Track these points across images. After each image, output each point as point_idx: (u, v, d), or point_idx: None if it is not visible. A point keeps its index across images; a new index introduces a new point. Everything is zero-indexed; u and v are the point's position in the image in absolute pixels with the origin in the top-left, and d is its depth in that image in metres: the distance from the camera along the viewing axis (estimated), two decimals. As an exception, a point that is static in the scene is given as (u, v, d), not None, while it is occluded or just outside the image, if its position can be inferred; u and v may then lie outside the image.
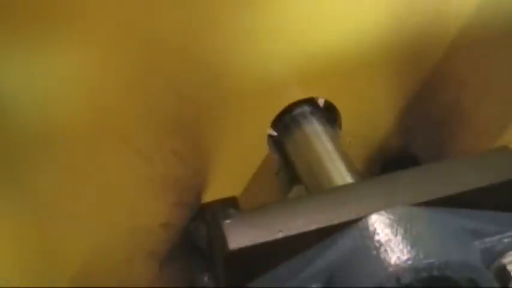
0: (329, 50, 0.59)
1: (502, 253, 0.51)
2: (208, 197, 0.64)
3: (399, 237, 0.48)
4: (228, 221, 0.51)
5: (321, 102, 0.65)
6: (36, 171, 0.56)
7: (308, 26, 0.57)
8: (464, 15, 0.61)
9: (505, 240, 0.51)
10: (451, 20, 0.61)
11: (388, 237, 0.48)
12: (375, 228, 0.49)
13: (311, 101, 0.64)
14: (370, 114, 0.66)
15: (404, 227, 0.48)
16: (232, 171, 0.64)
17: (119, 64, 0.53)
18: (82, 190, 0.58)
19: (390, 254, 0.47)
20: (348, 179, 0.59)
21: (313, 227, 0.50)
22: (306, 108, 0.63)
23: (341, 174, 0.59)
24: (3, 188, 0.56)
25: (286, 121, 0.63)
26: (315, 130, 0.63)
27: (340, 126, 0.65)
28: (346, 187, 0.57)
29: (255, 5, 0.54)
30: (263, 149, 0.64)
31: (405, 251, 0.47)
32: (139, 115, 0.57)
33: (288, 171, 0.67)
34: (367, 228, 0.49)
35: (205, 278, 0.66)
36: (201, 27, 0.54)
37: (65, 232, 0.60)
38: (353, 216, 0.50)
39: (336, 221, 0.50)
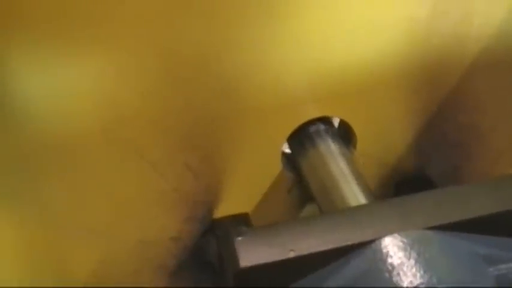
0: (346, 69, 0.59)
1: (516, 280, 0.50)
2: (220, 212, 0.64)
3: (412, 261, 0.47)
4: (239, 238, 0.50)
5: (336, 121, 0.65)
6: (48, 180, 0.56)
7: (326, 45, 0.57)
8: (484, 37, 0.61)
9: (520, 267, 0.50)
10: (471, 42, 0.61)
11: (401, 260, 0.47)
12: (388, 251, 0.48)
13: (326, 120, 0.64)
14: (386, 135, 0.66)
15: (418, 250, 0.48)
16: (245, 187, 0.64)
17: (136, 76, 0.53)
18: (93, 201, 0.58)
19: (403, 278, 0.46)
20: (362, 199, 0.59)
21: (325, 247, 0.49)
22: (321, 127, 0.63)
23: (355, 195, 0.59)
24: (13, 196, 0.56)
25: (300, 139, 0.63)
26: (330, 149, 0.63)
27: (354, 146, 0.65)
28: (359, 208, 0.57)
29: (273, 22, 0.54)
30: (277, 166, 0.64)
31: (418, 275, 0.46)
32: (154, 128, 0.57)
33: (301, 190, 0.66)
34: (380, 250, 0.49)
35: (214, 293, 0.66)
36: (220, 43, 0.54)
37: (74, 242, 0.60)
38: (366, 238, 0.49)
39: (348, 242, 0.50)
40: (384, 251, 0.48)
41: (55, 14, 0.48)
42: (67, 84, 0.52)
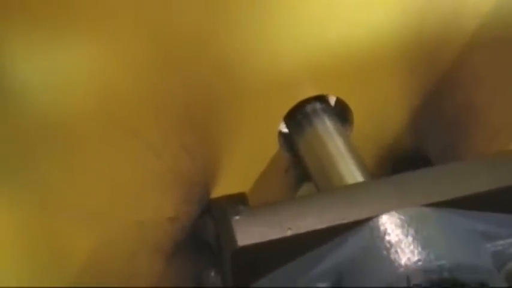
0: (342, 47, 0.59)
1: (514, 256, 0.50)
2: (217, 192, 0.64)
3: (410, 238, 0.47)
4: (237, 218, 0.50)
5: (332, 100, 0.65)
6: (44, 162, 0.56)
7: (322, 23, 0.57)
8: (480, 13, 0.61)
9: (517, 243, 0.51)
10: (467, 18, 0.61)
11: (399, 237, 0.47)
12: (386, 229, 0.48)
13: (323, 99, 0.64)
14: (382, 113, 0.66)
15: (415, 227, 0.48)
16: (242, 167, 0.64)
17: (133, 55, 0.53)
18: (89, 183, 0.58)
19: (401, 255, 0.46)
20: (359, 178, 0.59)
21: (322, 225, 0.49)
22: (318, 106, 0.63)
23: (352, 173, 0.59)
24: (9, 178, 0.56)
25: (297, 118, 0.63)
26: (326, 128, 0.62)
27: (351, 125, 0.65)
28: (356, 186, 0.57)
29: (270, 1, 0.54)
30: (274, 146, 0.64)
31: (416, 252, 0.46)
32: (150, 108, 0.56)
33: (298, 169, 0.66)
34: (377, 228, 0.49)
35: (212, 274, 0.66)
36: (215, 22, 0.54)
37: (71, 224, 0.60)
38: (364, 216, 0.50)
39: (346, 220, 0.50)
40: (382, 228, 0.49)
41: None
42: (62, 65, 0.52)
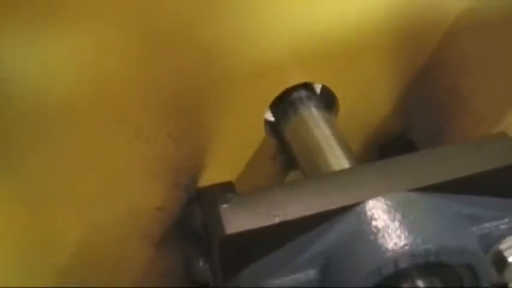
0: (327, 33, 0.59)
1: (499, 239, 0.51)
2: (205, 181, 0.64)
3: (397, 223, 0.48)
4: (224, 206, 0.50)
5: (318, 87, 0.65)
6: (32, 148, 0.56)
7: (305, 8, 0.57)
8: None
9: (502, 226, 0.51)
10: (451, 2, 0.61)
11: (386, 222, 0.48)
12: (373, 214, 0.49)
13: (308, 86, 0.64)
14: (368, 98, 0.66)
15: (402, 212, 0.48)
16: (229, 155, 0.64)
17: (119, 41, 0.53)
18: (77, 170, 0.58)
19: (387, 240, 0.47)
20: (345, 164, 0.59)
21: (310, 212, 0.50)
22: (303, 93, 0.63)
23: (338, 159, 0.59)
24: (0, 167, 0.55)
25: (283, 106, 0.63)
26: (312, 115, 0.62)
27: (337, 111, 0.65)
28: (343, 172, 0.57)
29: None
30: (260, 133, 0.64)
31: (402, 236, 0.47)
32: (137, 95, 0.56)
33: (285, 156, 0.66)
34: (364, 213, 0.49)
35: (201, 262, 0.66)
36: (200, 7, 0.53)
37: (60, 211, 0.60)
38: (350, 202, 0.50)
39: (333, 206, 0.50)
40: (368, 214, 0.49)
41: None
42: (48, 53, 0.52)
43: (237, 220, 0.49)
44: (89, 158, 0.58)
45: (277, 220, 0.49)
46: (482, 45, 0.65)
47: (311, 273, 0.49)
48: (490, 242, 0.51)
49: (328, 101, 0.65)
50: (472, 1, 0.61)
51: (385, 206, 0.49)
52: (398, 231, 0.47)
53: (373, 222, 0.48)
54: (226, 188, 0.62)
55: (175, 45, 0.55)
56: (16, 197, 0.58)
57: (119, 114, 0.56)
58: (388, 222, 0.48)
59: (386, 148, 0.69)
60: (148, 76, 0.55)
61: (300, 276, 0.49)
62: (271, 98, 0.61)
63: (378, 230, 0.47)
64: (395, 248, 0.46)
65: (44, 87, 0.53)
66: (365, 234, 0.48)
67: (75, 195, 0.59)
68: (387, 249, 0.46)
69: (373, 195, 0.50)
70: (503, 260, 0.50)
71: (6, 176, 0.56)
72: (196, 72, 0.57)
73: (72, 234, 0.62)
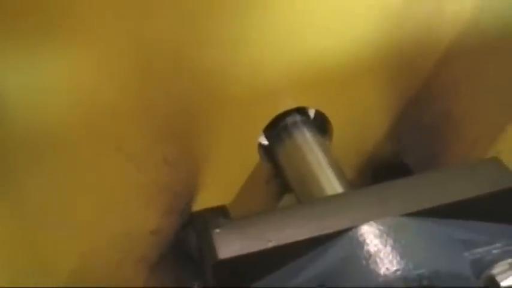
0: (320, 59, 0.59)
1: (492, 264, 0.51)
2: (199, 204, 0.64)
3: (389, 248, 0.48)
4: (217, 230, 0.51)
5: (311, 112, 0.65)
6: (27, 174, 0.56)
7: (299, 35, 0.57)
8: (457, 24, 0.61)
9: (494, 251, 0.51)
10: (443, 28, 0.62)
11: (378, 247, 0.48)
12: (365, 239, 0.49)
13: (302, 111, 0.64)
14: (362, 123, 0.66)
15: (394, 237, 0.49)
16: (223, 179, 0.64)
17: (113, 69, 0.53)
18: (73, 195, 0.58)
19: (380, 265, 0.47)
20: (339, 188, 0.59)
21: (303, 236, 0.50)
22: (297, 118, 0.64)
23: (331, 184, 0.59)
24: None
25: (277, 130, 0.63)
26: (306, 139, 0.63)
27: (331, 136, 0.65)
28: (336, 197, 0.57)
29: (246, 14, 0.54)
30: (254, 158, 0.64)
31: (395, 261, 0.47)
32: (132, 121, 0.56)
33: (279, 180, 0.67)
34: (357, 238, 0.49)
35: (195, 285, 0.66)
36: (196, 35, 0.54)
37: (55, 236, 0.60)
38: (343, 226, 0.50)
39: (326, 231, 0.50)
40: (361, 238, 0.49)
41: (32, 7, 0.48)
42: (43, 79, 0.52)
43: (230, 245, 0.49)
44: (85, 184, 0.58)
45: (270, 245, 0.49)
46: (474, 71, 0.65)
47: (304, 298, 0.49)
48: (482, 267, 0.51)
49: (322, 125, 0.65)
50: (465, 28, 0.62)
51: (377, 231, 0.49)
52: (390, 256, 0.47)
53: (366, 247, 0.48)
54: (220, 212, 0.62)
55: (170, 71, 0.55)
56: (10, 222, 0.57)
57: (114, 140, 0.57)
58: (380, 247, 0.48)
59: (380, 172, 0.70)
60: (143, 102, 0.56)
61: (294, 301, 0.49)
62: (264, 123, 0.62)
63: (370, 254, 0.48)
64: (387, 273, 0.46)
65: (39, 114, 0.53)
66: (358, 258, 0.48)
67: (70, 220, 0.59)
68: (379, 275, 0.46)
69: (365, 220, 0.50)
70: (496, 285, 0.50)
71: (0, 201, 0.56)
72: (190, 98, 0.57)
73: (68, 259, 0.62)
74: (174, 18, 0.52)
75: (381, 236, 0.49)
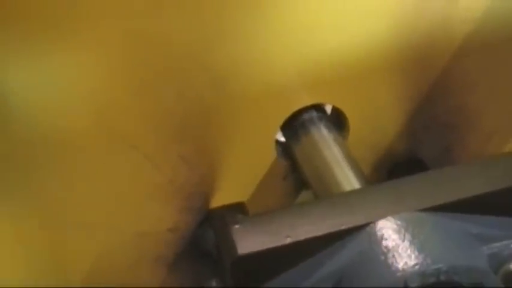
0: (336, 56, 0.59)
1: (509, 258, 0.51)
2: (216, 202, 0.64)
3: (406, 243, 0.48)
4: (236, 226, 0.51)
5: (328, 108, 0.65)
6: (44, 175, 0.56)
7: (315, 32, 0.58)
8: (470, 19, 0.61)
9: (512, 245, 0.51)
10: (458, 24, 0.61)
11: (396, 242, 0.48)
12: (383, 234, 0.49)
13: (319, 107, 0.64)
14: (377, 119, 0.66)
15: (412, 232, 0.49)
16: (240, 176, 0.64)
17: (127, 68, 0.53)
18: (89, 195, 0.59)
19: (398, 259, 0.47)
20: (356, 184, 0.59)
21: (321, 232, 0.50)
22: (314, 114, 0.64)
23: (348, 180, 0.59)
24: (10, 192, 0.56)
25: (294, 127, 0.63)
26: (323, 136, 0.63)
27: (347, 132, 0.65)
28: (353, 192, 0.57)
29: (263, 11, 0.55)
30: (271, 155, 0.64)
31: (413, 256, 0.47)
32: (147, 120, 0.57)
33: (296, 177, 0.67)
34: (374, 233, 0.49)
35: (214, 283, 0.66)
36: (209, 34, 0.54)
37: (72, 237, 0.60)
38: (361, 222, 0.50)
39: (343, 227, 0.50)
40: (379, 234, 0.49)
41: (43, 9, 0.48)
42: (59, 81, 0.52)
43: (249, 241, 0.50)
44: (101, 184, 0.59)
45: (288, 241, 0.50)
46: (488, 66, 0.65)
47: (322, 293, 0.50)
48: (499, 261, 0.51)
49: (338, 121, 0.65)
50: (477, 24, 0.62)
51: (395, 226, 0.49)
52: (409, 251, 0.47)
53: (384, 242, 0.48)
54: (238, 208, 0.62)
55: (183, 71, 0.55)
56: (27, 222, 0.58)
57: (130, 141, 0.57)
58: (398, 242, 0.48)
59: (396, 168, 0.70)
60: (157, 102, 0.56)
61: (312, 296, 0.50)
62: (281, 120, 0.62)
63: (388, 250, 0.48)
64: (405, 267, 0.46)
65: (56, 116, 0.54)
66: (375, 254, 0.48)
67: (86, 220, 0.60)
68: (397, 269, 0.46)
69: (383, 216, 0.50)
70: (514, 279, 0.51)
71: (17, 201, 0.57)
72: (204, 97, 0.57)
73: (85, 259, 0.62)
74: (186, 18, 0.53)
75: (398, 231, 0.49)
